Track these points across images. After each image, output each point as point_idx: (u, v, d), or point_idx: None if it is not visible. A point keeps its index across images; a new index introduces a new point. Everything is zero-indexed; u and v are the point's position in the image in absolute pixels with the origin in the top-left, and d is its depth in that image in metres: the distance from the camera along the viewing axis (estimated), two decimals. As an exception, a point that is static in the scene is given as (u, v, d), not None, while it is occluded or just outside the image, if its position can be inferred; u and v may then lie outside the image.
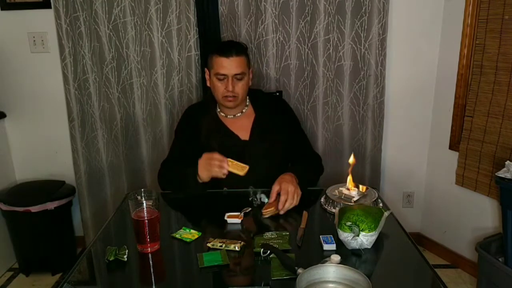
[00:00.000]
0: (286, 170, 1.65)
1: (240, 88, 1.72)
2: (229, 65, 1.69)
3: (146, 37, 2.26)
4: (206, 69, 1.80)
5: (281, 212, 1.48)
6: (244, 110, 1.83)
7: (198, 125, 1.81)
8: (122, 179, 2.50)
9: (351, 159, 1.51)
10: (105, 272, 1.22)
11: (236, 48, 1.71)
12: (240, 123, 1.81)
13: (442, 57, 2.38)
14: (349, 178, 1.50)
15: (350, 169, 1.50)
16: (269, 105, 1.89)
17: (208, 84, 1.81)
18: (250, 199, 1.54)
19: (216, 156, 1.59)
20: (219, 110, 1.84)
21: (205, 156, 1.62)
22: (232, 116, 1.82)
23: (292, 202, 1.50)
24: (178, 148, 1.83)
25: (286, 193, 1.50)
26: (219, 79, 1.72)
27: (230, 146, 1.74)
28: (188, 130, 1.83)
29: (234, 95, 1.72)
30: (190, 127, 1.83)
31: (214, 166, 1.57)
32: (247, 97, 1.86)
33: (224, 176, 1.58)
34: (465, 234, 2.39)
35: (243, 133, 1.79)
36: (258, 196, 1.54)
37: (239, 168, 1.56)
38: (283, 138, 1.81)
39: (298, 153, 1.84)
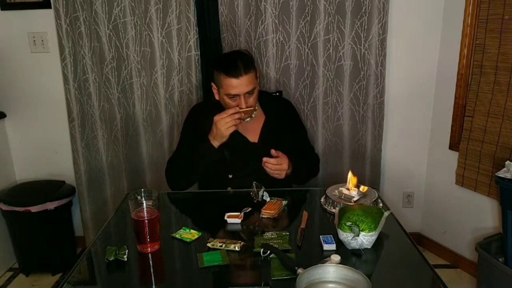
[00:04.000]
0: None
1: (252, 101, 1.71)
2: (239, 85, 1.64)
3: (146, 37, 2.26)
4: (212, 84, 1.77)
5: (265, 163, 1.62)
6: (253, 115, 1.82)
7: (205, 125, 1.80)
8: (122, 179, 2.50)
9: (350, 176, 1.51)
10: (105, 272, 1.22)
11: (243, 65, 1.65)
12: (250, 126, 1.80)
13: (442, 57, 2.38)
14: (350, 176, 1.50)
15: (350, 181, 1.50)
16: (279, 108, 1.90)
17: (217, 98, 1.77)
18: (251, 193, 1.54)
19: (224, 114, 1.63)
20: None
21: (216, 119, 1.64)
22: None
23: (278, 167, 1.62)
24: (185, 146, 1.83)
25: (282, 160, 1.63)
26: (230, 98, 1.68)
27: (239, 148, 1.74)
28: (195, 129, 1.83)
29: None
30: (197, 126, 1.83)
31: (229, 122, 1.62)
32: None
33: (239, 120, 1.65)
34: (465, 234, 2.39)
35: (252, 136, 1.80)
36: (260, 193, 1.54)
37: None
38: (290, 140, 1.83)
39: (299, 152, 1.86)
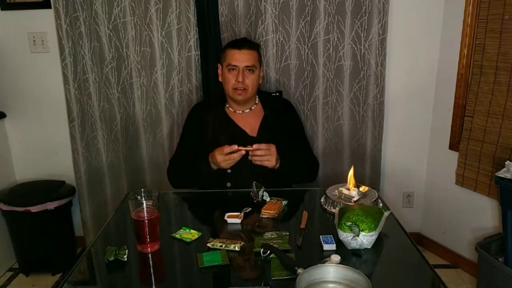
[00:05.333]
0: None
1: (250, 81, 1.76)
2: (240, 57, 1.75)
3: (146, 37, 2.26)
4: (219, 65, 1.86)
5: (251, 156, 1.64)
6: (253, 108, 1.87)
7: (205, 121, 1.83)
8: (122, 179, 2.50)
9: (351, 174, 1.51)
10: (105, 272, 1.22)
11: (248, 43, 1.80)
12: (249, 119, 1.83)
13: (442, 57, 2.38)
14: (350, 177, 1.49)
15: (350, 178, 1.50)
16: (279, 106, 1.94)
17: (220, 79, 1.86)
18: (251, 193, 1.54)
19: (226, 149, 1.63)
20: (227, 106, 1.87)
21: (217, 152, 1.65)
22: (241, 112, 1.86)
23: (267, 152, 1.63)
24: (186, 145, 1.87)
25: (269, 145, 1.64)
26: (231, 70, 1.76)
27: (237, 142, 1.75)
28: (195, 126, 1.87)
29: (244, 87, 1.76)
30: (197, 124, 1.86)
31: (229, 158, 1.63)
32: (257, 96, 1.89)
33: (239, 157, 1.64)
34: (465, 234, 2.39)
35: (251, 130, 1.82)
36: (260, 193, 1.54)
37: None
38: (288, 138, 1.84)
39: (296, 150, 1.86)
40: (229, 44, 1.82)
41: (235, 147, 1.62)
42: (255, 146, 1.64)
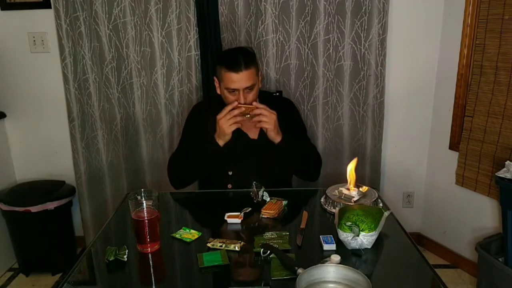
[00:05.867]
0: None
1: (251, 97, 1.71)
2: (239, 80, 1.66)
3: (146, 37, 2.26)
4: (214, 78, 1.79)
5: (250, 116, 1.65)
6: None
7: (206, 122, 1.81)
8: (122, 179, 2.50)
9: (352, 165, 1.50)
10: (105, 272, 1.22)
11: (244, 60, 1.66)
12: (250, 123, 1.81)
13: (442, 57, 2.38)
14: (350, 177, 1.49)
15: (350, 172, 1.49)
16: (279, 107, 1.89)
17: (218, 92, 1.79)
18: (251, 193, 1.54)
19: (224, 112, 1.65)
20: None
21: (218, 118, 1.65)
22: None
23: (265, 114, 1.63)
24: (186, 144, 1.85)
25: (268, 110, 1.64)
26: (230, 92, 1.70)
27: (239, 144, 1.74)
28: (196, 127, 1.85)
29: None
30: (198, 124, 1.85)
31: (229, 119, 1.63)
32: (258, 98, 1.86)
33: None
34: (465, 234, 2.39)
35: (252, 132, 1.80)
36: (260, 193, 1.54)
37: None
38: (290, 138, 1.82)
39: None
40: (225, 64, 1.68)
41: (236, 103, 1.64)
42: (254, 103, 1.66)
